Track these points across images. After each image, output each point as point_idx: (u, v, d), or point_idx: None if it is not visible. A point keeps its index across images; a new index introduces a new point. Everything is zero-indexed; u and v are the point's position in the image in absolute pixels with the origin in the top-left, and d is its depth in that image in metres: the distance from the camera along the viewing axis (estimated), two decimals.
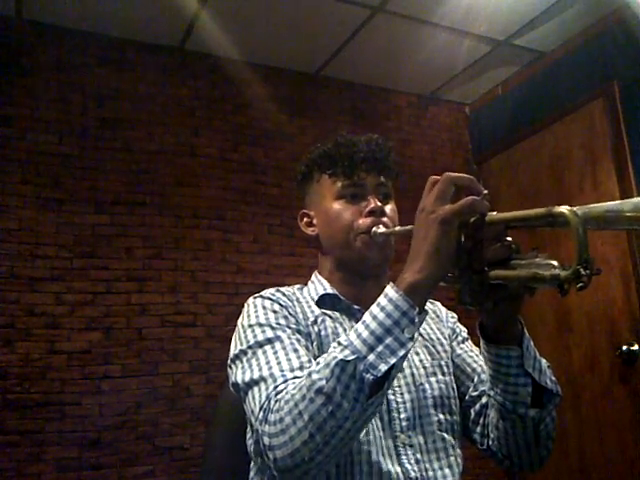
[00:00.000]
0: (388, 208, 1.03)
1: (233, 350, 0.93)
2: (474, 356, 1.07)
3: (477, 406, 1.00)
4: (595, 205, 0.64)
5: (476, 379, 1.02)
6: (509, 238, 0.75)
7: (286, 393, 0.76)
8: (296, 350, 0.86)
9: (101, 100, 2.63)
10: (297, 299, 1.02)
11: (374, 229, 0.98)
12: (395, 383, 0.93)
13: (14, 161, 2.41)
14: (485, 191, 0.75)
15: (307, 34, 2.78)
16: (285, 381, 0.79)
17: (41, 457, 2.19)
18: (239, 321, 0.97)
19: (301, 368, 0.82)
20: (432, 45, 2.88)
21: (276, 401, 0.77)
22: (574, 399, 2.67)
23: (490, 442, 0.96)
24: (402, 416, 0.92)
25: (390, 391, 0.92)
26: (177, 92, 2.80)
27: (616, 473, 2.48)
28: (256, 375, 0.83)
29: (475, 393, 1.01)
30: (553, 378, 0.90)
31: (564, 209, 0.64)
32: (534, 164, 3.07)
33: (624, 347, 2.47)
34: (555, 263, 0.66)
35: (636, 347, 2.45)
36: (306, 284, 1.10)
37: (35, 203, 2.41)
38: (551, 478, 2.66)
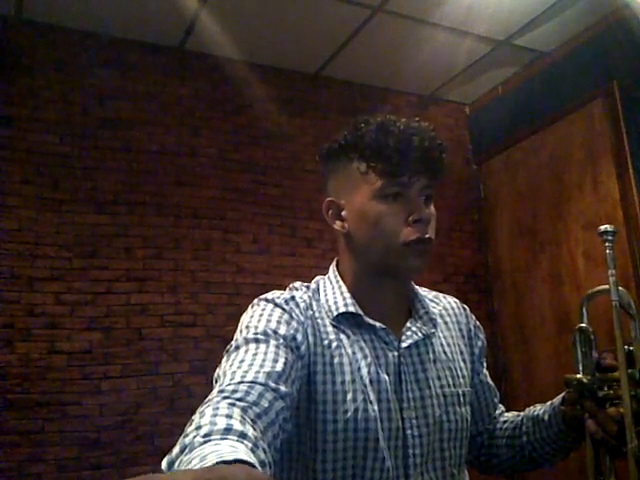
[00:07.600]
0: (431, 213, 0.91)
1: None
2: (492, 390, 1.06)
3: (486, 437, 1.05)
4: None
5: (496, 417, 1.06)
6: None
7: (210, 400, 0.72)
8: (275, 360, 0.78)
9: (101, 100, 2.63)
10: (312, 315, 0.91)
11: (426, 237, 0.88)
12: (413, 414, 0.87)
13: (14, 161, 2.41)
14: None
15: (307, 34, 2.78)
16: (237, 383, 0.75)
17: (41, 457, 2.19)
18: (242, 318, 0.90)
19: (269, 376, 0.75)
20: (432, 45, 2.88)
21: (207, 400, 0.73)
22: None
23: (480, 462, 1.06)
24: (417, 452, 0.86)
25: (407, 424, 0.87)
26: (177, 92, 2.80)
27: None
28: (221, 371, 0.81)
29: (490, 426, 1.05)
30: None
31: None
32: (534, 164, 3.07)
33: (625, 347, 2.47)
34: None
35: None
36: (323, 277, 0.99)
37: (35, 203, 2.41)
38: (551, 478, 2.66)
